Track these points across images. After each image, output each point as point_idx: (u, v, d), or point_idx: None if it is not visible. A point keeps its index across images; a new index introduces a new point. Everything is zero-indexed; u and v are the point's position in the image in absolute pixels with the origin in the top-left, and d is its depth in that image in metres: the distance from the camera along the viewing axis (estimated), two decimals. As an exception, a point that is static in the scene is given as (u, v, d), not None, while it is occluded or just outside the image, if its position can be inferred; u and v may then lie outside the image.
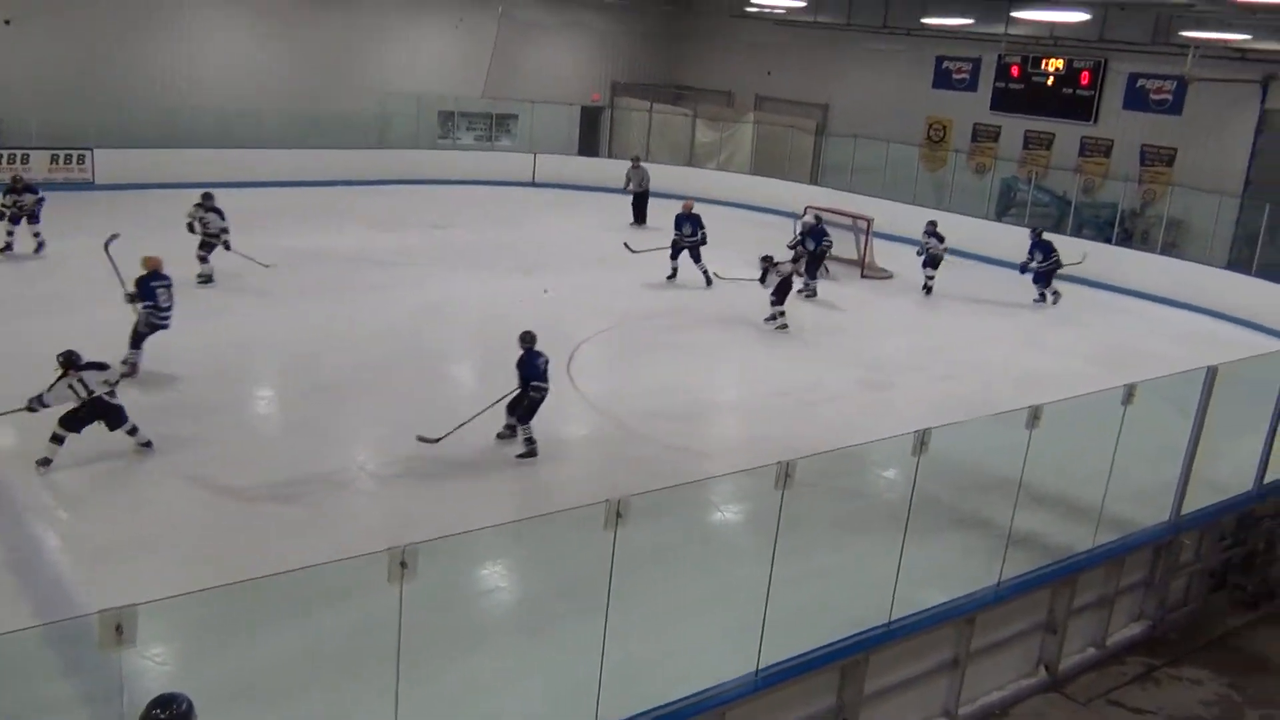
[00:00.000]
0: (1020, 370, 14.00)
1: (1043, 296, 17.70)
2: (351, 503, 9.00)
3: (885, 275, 18.90)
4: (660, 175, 22.47)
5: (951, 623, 7.44)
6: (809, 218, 18.05)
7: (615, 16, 28.04)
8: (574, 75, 27.87)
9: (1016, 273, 18.59)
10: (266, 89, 23.15)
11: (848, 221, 19.53)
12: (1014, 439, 7.45)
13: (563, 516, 5.74)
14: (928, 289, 17.76)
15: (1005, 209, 22.10)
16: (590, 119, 28.08)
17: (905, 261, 19.20)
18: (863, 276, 18.72)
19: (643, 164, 21.97)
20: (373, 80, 24.56)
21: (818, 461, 6.53)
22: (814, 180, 25.36)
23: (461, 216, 20.89)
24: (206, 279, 14.39)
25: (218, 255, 14.52)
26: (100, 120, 20.40)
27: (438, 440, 9.90)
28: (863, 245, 19.10)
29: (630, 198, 21.59)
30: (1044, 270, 17.67)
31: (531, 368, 9.95)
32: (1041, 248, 17.71)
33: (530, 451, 10.00)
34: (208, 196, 14.74)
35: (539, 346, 10.27)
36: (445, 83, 25.63)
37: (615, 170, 23.38)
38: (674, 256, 17.10)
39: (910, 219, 20.68)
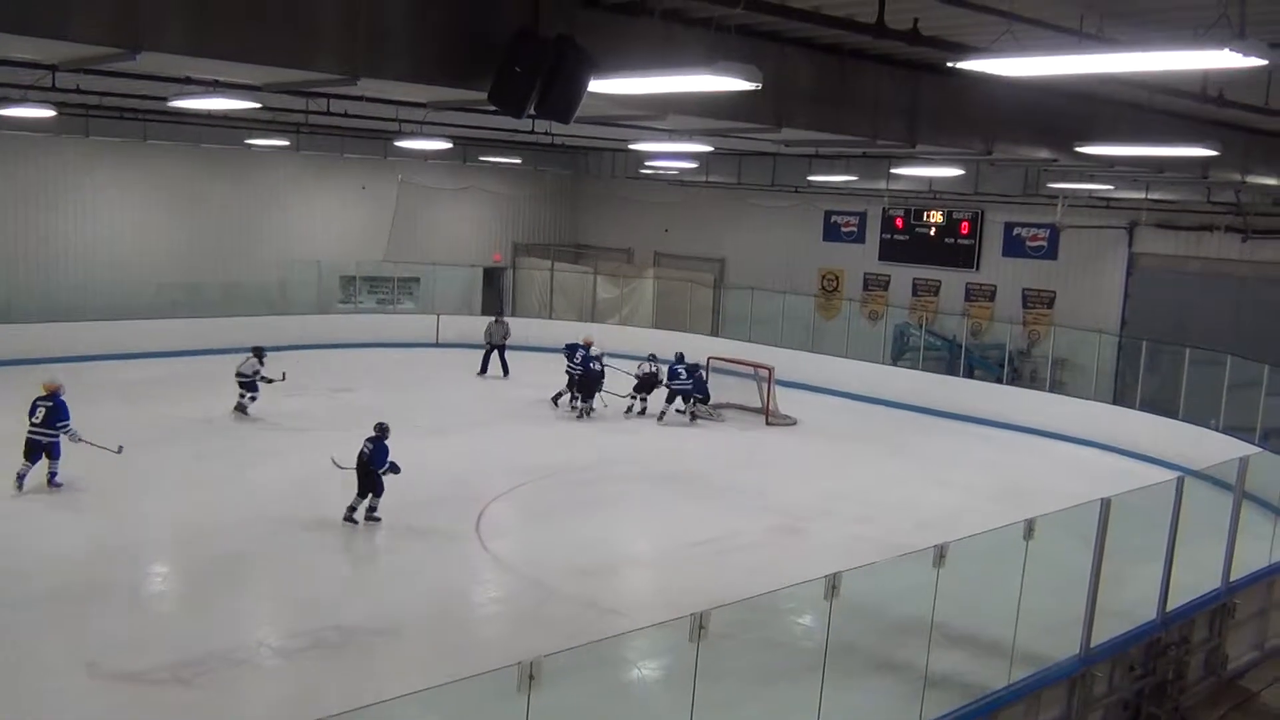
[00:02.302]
0: (926, 509, 14.25)
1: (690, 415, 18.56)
2: (255, 680, 8.64)
3: (789, 421, 19.25)
4: (565, 331, 22.69)
5: (876, 771, 7.32)
6: (648, 367, 19.08)
7: (514, 180, 28.76)
8: (475, 237, 28.30)
9: (914, 415, 19.10)
10: (165, 260, 23.06)
11: (750, 371, 19.94)
12: (923, 578, 7.56)
13: (475, 682, 5.59)
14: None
15: (900, 353, 22.79)
16: (492, 279, 28.43)
17: (808, 407, 19.62)
18: (768, 424, 19.02)
19: (505, 319, 22.73)
20: (275, 247, 24.63)
21: (733, 611, 6.52)
22: (715, 332, 25.85)
23: (363, 380, 20.84)
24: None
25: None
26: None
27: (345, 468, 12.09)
28: (765, 393, 19.48)
29: (483, 351, 22.11)
30: (680, 390, 18.56)
31: (379, 458, 12.08)
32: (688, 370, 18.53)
33: (374, 518, 12.11)
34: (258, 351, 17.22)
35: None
36: (348, 248, 25.81)
37: (519, 329, 23.69)
38: (570, 387, 18.78)
39: (810, 366, 21.24)
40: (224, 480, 13.72)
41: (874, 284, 24.51)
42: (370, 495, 12.25)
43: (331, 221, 25.84)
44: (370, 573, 11.45)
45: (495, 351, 21.99)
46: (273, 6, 6.27)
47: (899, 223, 23.96)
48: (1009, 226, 22.33)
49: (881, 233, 24.25)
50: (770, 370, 19.48)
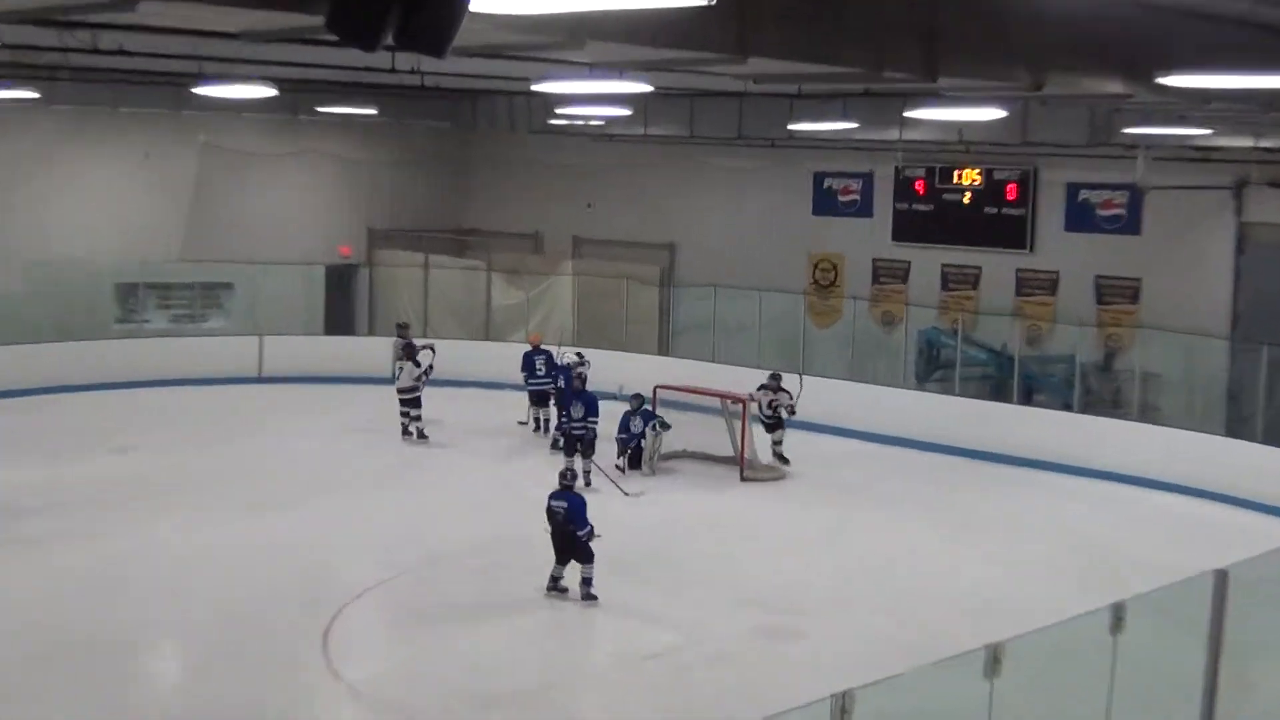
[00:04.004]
0: (971, 593, 14.37)
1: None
2: None
3: (775, 475, 19.36)
4: (445, 356, 22.55)
5: None
6: (570, 355, 20.98)
7: (368, 140, 28.66)
8: (314, 223, 28.16)
9: (949, 458, 19.28)
10: None
11: (715, 404, 19.94)
12: (972, 692, 7.59)
13: None
14: (783, 458, 19.66)
15: (929, 372, 23.02)
16: (340, 282, 28.33)
17: (800, 453, 19.72)
18: (745, 479, 19.07)
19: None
20: (17, 245, 24.23)
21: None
22: (663, 349, 25.93)
23: (151, 433, 20.71)
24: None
25: None
26: None
27: None
28: (739, 436, 19.51)
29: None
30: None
31: (580, 517, 13.79)
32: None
33: (590, 595, 13.67)
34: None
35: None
36: (126, 243, 25.52)
37: (380, 351, 23.54)
38: (532, 404, 21.31)
39: (805, 392, 21.31)
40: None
41: (887, 274, 24.72)
42: (580, 563, 13.66)
43: (102, 206, 25.54)
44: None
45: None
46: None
47: (919, 187, 24.22)
48: (1073, 189, 22.73)
49: (895, 202, 24.48)
50: (745, 402, 19.55)
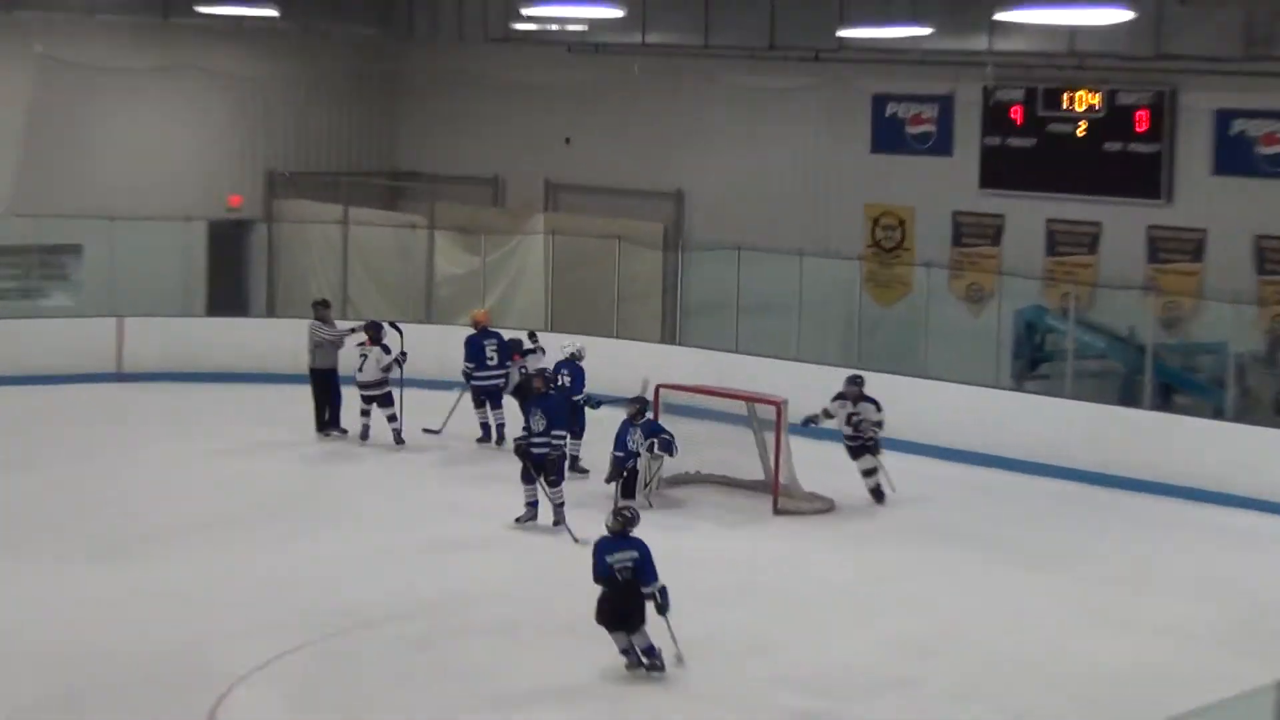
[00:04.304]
0: (1095, 669, 14.24)
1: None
2: None
3: (820, 506, 19.28)
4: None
5: None
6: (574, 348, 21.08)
7: (268, 52, 28.69)
8: (192, 164, 28.19)
9: (1060, 483, 19.40)
10: None
11: (740, 410, 19.96)
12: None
13: None
14: (882, 492, 19.49)
15: (1030, 365, 23.02)
16: (229, 245, 28.36)
17: (854, 477, 19.65)
18: (778, 511, 19.03)
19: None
20: None
21: None
22: (669, 335, 25.97)
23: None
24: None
25: None
26: None
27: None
28: (772, 455, 19.44)
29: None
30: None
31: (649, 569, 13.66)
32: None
33: (655, 666, 13.60)
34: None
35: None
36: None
37: (287, 339, 23.46)
38: (478, 405, 21.80)
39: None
40: None
41: (973, 234, 24.69)
42: (642, 624, 13.57)
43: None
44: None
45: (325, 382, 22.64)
46: None
47: (1016, 115, 24.09)
48: (1223, 118, 22.63)
49: (984, 135, 24.42)
50: (780, 408, 19.42)
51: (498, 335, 22.01)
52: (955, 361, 23.18)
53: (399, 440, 21.54)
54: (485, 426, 21.83)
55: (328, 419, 22.05)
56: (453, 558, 16.98)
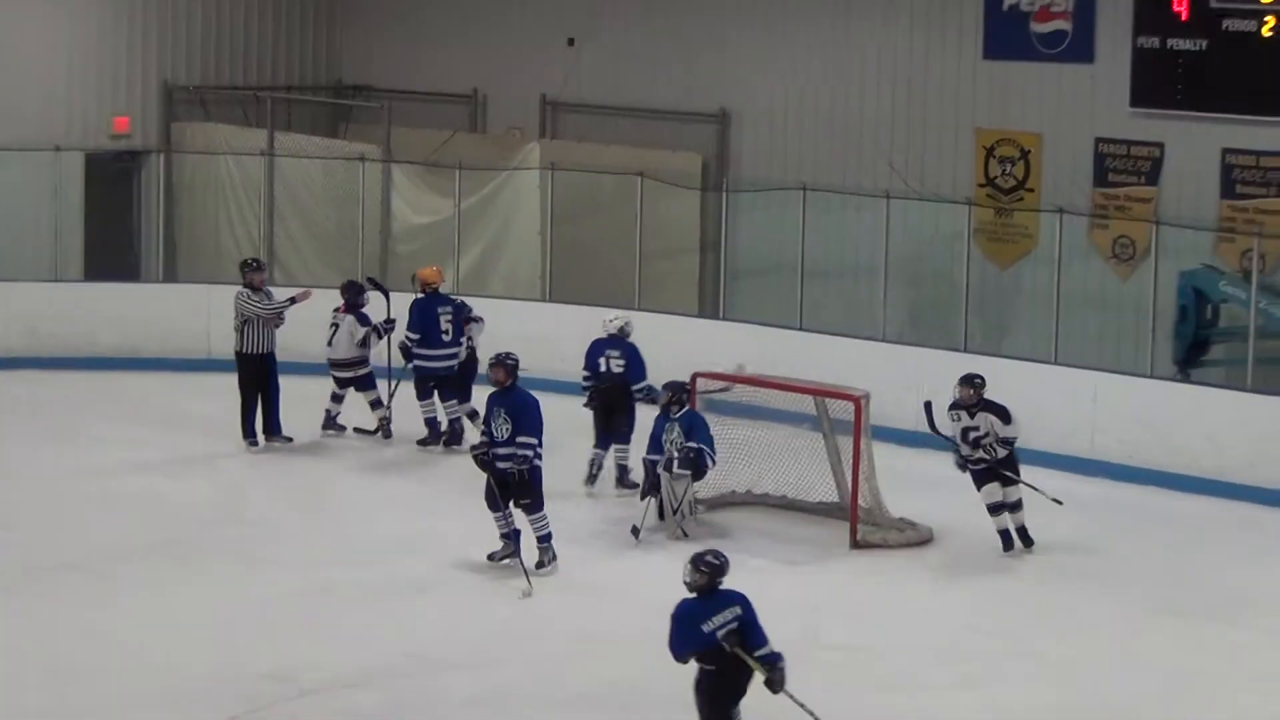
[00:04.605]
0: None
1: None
2: None
3: (913, 538, 19.38)
4: (305, 319, 22.52)
5: None
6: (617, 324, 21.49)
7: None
8: (64, 76, 28.37)
9: (1243, 506, 19.47)
10: None
11: (806, 408, 20.10)
12: None
13: None
14: (1014, 537, 19.14)
15: (1198, 349, 23.07)
16: (113, 184, 28.54)
17: (963, 496, 19.61)
18: (858, 544, 19.09)
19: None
20: None
21: None
22: (710, 306, 26.13)
23: None
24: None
25: None
26: None
27: None
28: (849, 469, 19.49)
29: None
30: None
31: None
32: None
33: None
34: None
35: None
36: None
37: (191, 308, 23.79)
38: (422, 395, 22.41)
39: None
40: None
41: (1122, 169, 24.67)
42: None
43: None
44: None
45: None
46: None
47: (1180, 6, 23.96)
48: None
49: (1136, 35, 24.34)
50: (860, 405, 19.45)
51: (452, 302, 22.28)
52: (1096, 342, 23.35)
53: (386, 434, 22.10)
54: (432, 423, 22.09)
55: (262, 424, 22.09)
56: (415, 604, 17.04)
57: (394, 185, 27.77)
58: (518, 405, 18.17)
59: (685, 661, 12.75)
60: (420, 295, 22.35)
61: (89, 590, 17.28)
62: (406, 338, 22.06)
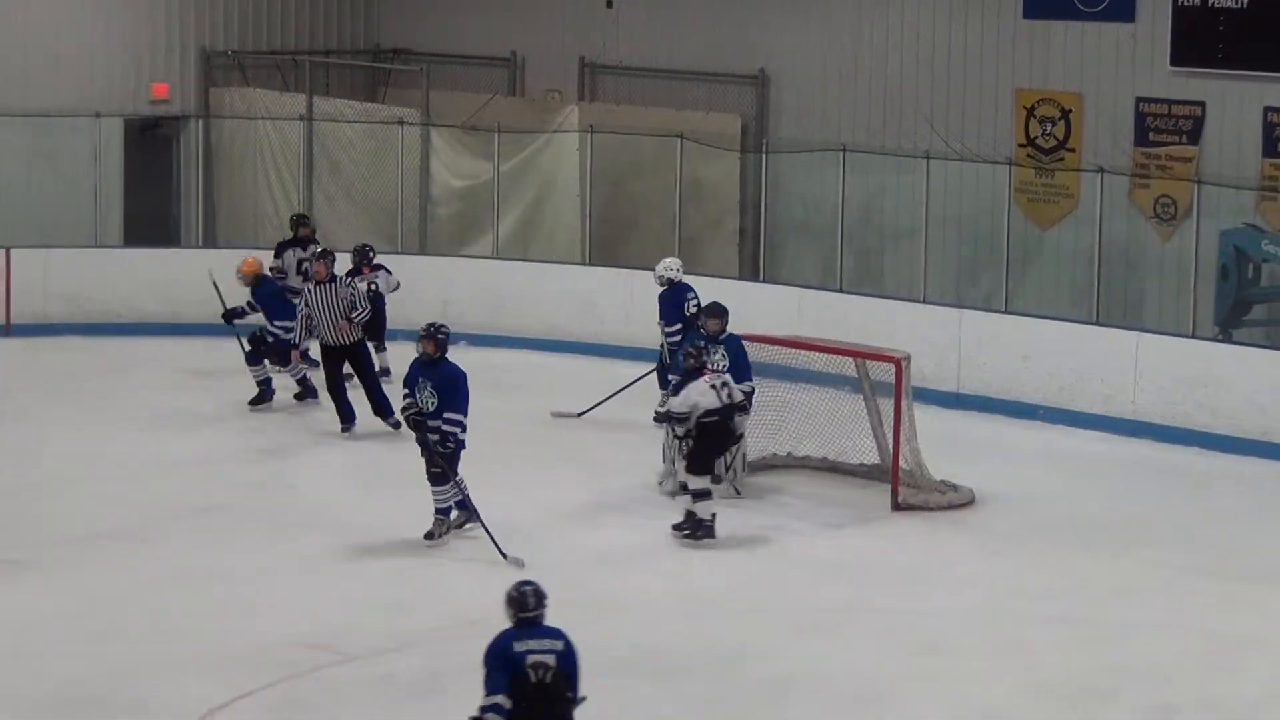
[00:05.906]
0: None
1: None
2: None
3: (955, 500, 19.36)
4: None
5: None
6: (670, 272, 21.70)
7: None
8: (100, 44, 28.34)
9: (1272, 463, 19.57)
10: None
11: (847, 371, 20.11)
12: None
13: None
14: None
15: (1242, 308, 23.03)
16: (152, 149, 28.60)
17: (1006, 459, 19.67)
18: (897, 507, 19.10)
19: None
20: None
21: None
22: (750, 268, 26.07)
23: None
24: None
25: None
26: None
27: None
28: (890, 431, 19.53)
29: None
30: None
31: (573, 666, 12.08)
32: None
33: None
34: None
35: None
36: None
37: (229, 271, 23.48)
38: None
39: (1007, 352, 21.13)
40: None
41: (1164, 129, 24.57)
42: None
43: None
44: None
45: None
46: None
47: (1226, -37, 23.90)
48: None
49: (1179, -9, 24.25)
50: (902, 367, 19.45)
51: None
52: (1138, 302, 23.33)
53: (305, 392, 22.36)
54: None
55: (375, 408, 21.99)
56: (455, 568, 17.13)
57: (433, 149, 27.73)
58: (445, 379, 18.06)
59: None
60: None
61: (132, 556, 17.41)
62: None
